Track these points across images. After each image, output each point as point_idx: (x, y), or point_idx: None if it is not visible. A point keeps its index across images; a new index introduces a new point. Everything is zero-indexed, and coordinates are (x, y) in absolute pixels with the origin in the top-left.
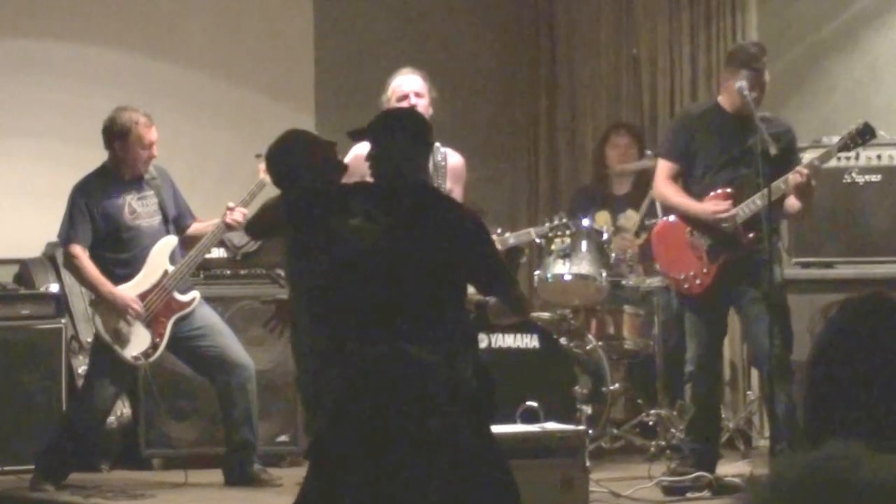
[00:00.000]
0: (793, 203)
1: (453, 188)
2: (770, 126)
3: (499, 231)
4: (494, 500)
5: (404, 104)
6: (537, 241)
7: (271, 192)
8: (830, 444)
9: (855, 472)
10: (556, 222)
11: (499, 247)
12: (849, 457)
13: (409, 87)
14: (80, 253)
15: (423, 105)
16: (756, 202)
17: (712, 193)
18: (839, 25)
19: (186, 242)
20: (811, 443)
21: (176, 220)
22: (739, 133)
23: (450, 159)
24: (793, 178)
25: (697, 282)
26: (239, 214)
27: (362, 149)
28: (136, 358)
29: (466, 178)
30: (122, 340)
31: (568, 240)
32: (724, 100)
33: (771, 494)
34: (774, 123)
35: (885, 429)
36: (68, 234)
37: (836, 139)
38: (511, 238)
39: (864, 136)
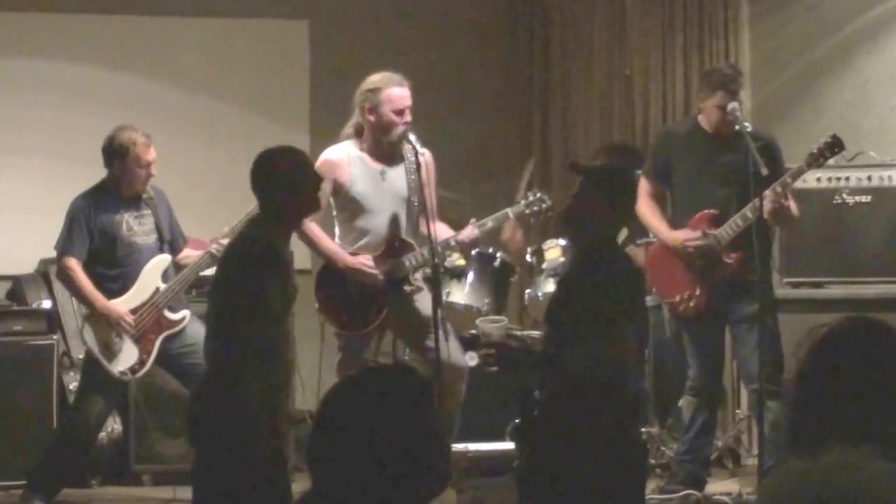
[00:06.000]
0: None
1: (428, 181)
2: (752, 140)
3: (473, 220)
4: None
5: (399, 119)
6: (512, 216)
7: None
8: (828, 453)
9: (852, 480)
10: (530, 198)
11: (476, 232)
12: (847, 465)
13: (405, 102)
14: (75, 266)
15: (409, 117)
16: (738, 223)
17: (698, 215)
18: (831, 47)
19: (175, 267)
20: (796, 455)
21: (169, 242)
22: (718, 152)
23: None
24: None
25: (691, 304)
26: None
27: (332, 154)
28: (122, 373)
29: (458, 194)
30: (111, 355)
31: (559, 251)
32: (703, 119)
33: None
34: (755, 137)
35: (870, 437)
36: (65, 246)
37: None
38: (490, 221)
39: (832, 149)
